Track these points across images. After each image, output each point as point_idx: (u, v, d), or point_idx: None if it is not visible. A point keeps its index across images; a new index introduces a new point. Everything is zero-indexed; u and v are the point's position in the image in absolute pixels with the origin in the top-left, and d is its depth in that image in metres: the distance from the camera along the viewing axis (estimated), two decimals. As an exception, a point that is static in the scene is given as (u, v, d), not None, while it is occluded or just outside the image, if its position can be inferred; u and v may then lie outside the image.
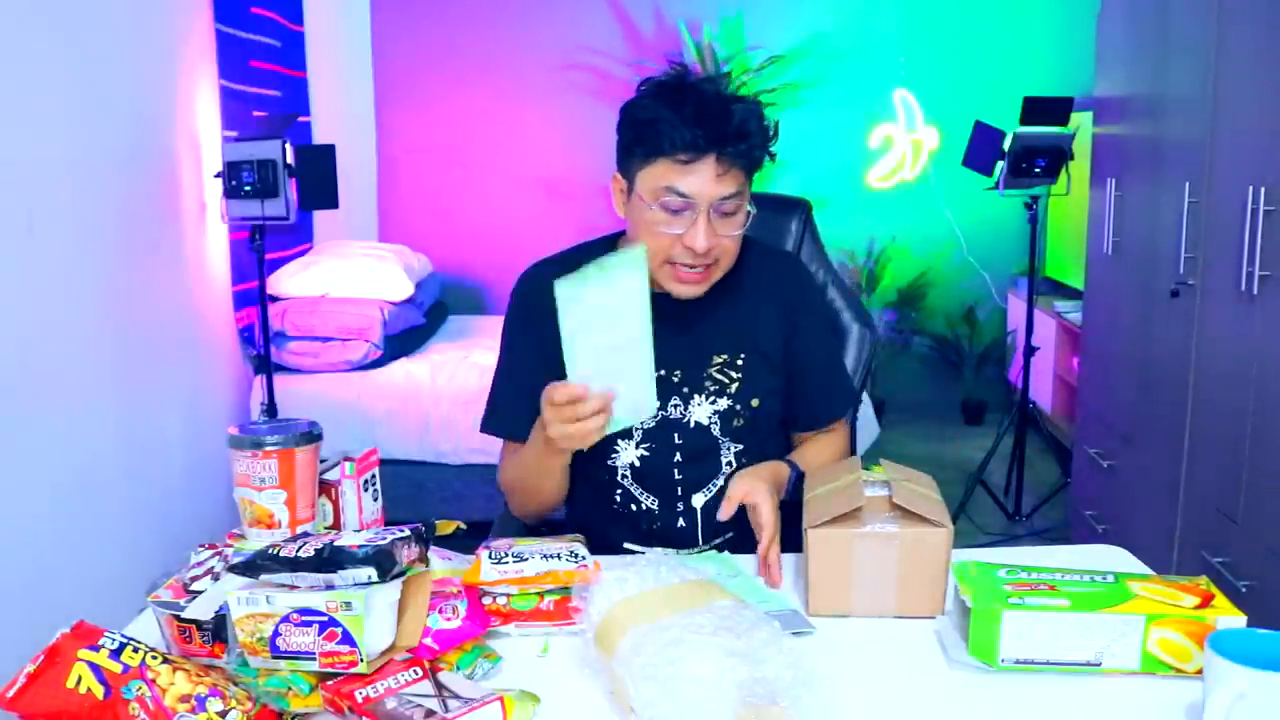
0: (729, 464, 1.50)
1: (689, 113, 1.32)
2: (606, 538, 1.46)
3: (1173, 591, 1.06)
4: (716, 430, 1.49)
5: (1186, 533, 2.43)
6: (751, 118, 1.35)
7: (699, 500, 1.51)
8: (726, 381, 1.49)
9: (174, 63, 2.94)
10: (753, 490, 1.35)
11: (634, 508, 1.51)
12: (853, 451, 1.72)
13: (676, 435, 1.49)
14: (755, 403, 1.49)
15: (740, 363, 1.49)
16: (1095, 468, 3.07)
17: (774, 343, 1.51)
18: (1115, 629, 1.03)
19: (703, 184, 1.33)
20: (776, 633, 0.99)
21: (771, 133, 1.40)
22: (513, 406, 1.50)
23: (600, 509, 1.54)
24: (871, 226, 5.02)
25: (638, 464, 1.50)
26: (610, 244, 1.53)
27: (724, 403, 1.49)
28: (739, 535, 1.47)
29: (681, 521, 1.51)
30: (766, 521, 1.32)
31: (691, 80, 1.39)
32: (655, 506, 1.51)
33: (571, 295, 1.19)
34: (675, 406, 1.48)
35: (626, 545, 1.52)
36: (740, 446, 1.51)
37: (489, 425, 1.55)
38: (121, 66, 2.61)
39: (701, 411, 1.49)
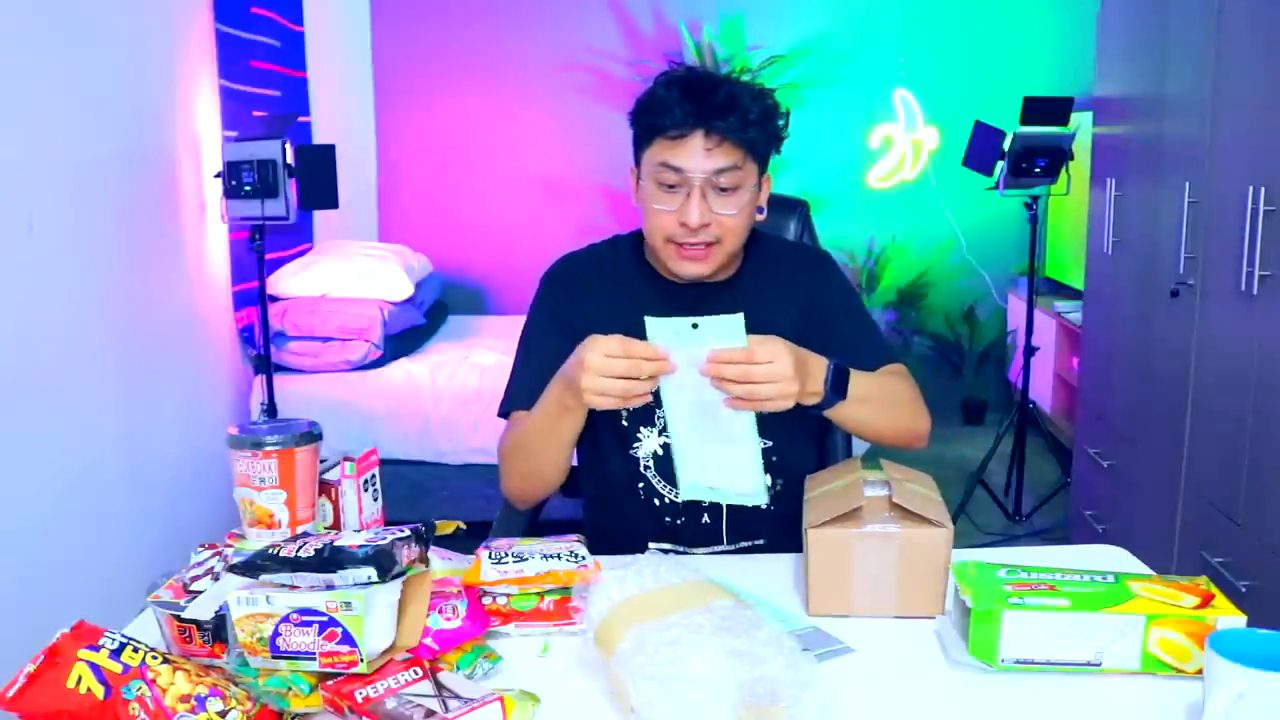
0: None
1: (678, 92, 1.36)
2: (630, 538, 1.42)
3: (1173, 591, 1.06)
4: None
5: (1186, 533, 2.43)
6: (743, 94, 1.36)
7: None
8: None
9: (174, 63, 2.94)
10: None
11: (657, 501, 1.50)
12: (849, 452, 1.71)
13: None
14: None
15: None
16: (1095, 468, 3.07)
17: (788, 334, 1.46)
18: (1115, 629, 1.03)
19: (693, 158, 1.35)
20: (777, 632, 0.99)
21: (781, 120, 1.41)
22: (534, 387, 1.44)
23: (624, 505, 1.52)
24: (871, 226, 5.02)
25: (660, 452, 1.49)
26: (639, 238, 1.54)
27: None
28: (769, 541, 1.47)
29: (706, 518, 1.50)
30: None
31: (698, 70, 1.43)
32: (679, 500, 1.49)
33: (663, 337, 1.18)
34: None
35: (651, 545, 1.48)
36: (765, 443, 1.48)
37: (509, 405, 1.51)
38: (121, 66, 2.61)
39: None
